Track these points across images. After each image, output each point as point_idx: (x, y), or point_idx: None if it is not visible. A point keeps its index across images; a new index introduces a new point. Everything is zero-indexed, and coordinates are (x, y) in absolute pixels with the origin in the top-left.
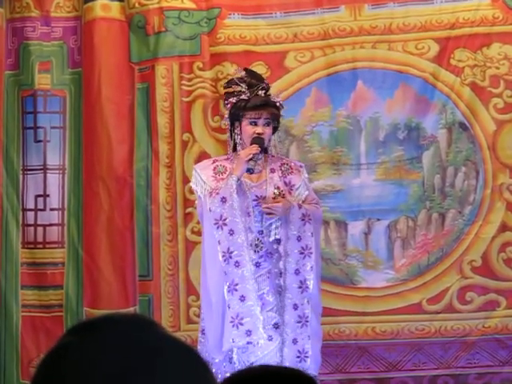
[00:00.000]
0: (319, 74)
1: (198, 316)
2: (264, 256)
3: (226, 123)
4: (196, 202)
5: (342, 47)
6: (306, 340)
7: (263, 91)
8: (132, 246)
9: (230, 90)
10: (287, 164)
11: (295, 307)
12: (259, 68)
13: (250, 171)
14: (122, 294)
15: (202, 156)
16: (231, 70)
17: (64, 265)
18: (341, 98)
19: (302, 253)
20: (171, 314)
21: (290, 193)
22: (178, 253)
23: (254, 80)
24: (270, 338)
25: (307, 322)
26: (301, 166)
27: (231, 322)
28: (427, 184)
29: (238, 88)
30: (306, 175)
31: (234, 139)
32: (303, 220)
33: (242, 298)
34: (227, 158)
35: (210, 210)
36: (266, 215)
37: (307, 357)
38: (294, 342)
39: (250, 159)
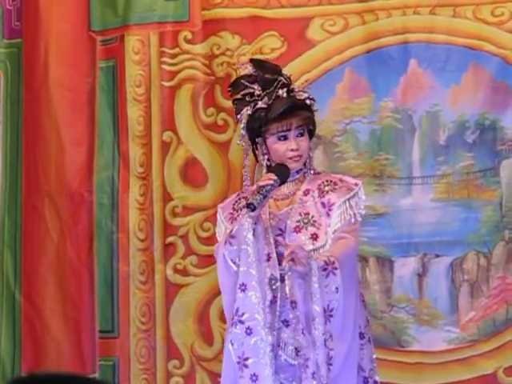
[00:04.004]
0: (356, 49)
1: None
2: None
3: (242, 144)
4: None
5: (389, 12)
6: None
7: (284, 89)
8: (90, 289)
9: (239, 96)
10: (331, 180)
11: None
12: (272, 40)
13: (249, 207)
14: (76, 358)
15: (191, 163)
16: (232, 43)
17: None
18: (386, 84)
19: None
20: None
21: (328, 215)
22: (155, 300)
23: (267, 74)
24: None
25: None
26: (355, 185)
27: None
28: (507, 206)
29: (250, 91)
30: (362, 197)
31: (261, 161)
32: (325, 270)
33: (254, 378)
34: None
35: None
36: (289, 262)
37: None
38: None
39: (258, 192)
